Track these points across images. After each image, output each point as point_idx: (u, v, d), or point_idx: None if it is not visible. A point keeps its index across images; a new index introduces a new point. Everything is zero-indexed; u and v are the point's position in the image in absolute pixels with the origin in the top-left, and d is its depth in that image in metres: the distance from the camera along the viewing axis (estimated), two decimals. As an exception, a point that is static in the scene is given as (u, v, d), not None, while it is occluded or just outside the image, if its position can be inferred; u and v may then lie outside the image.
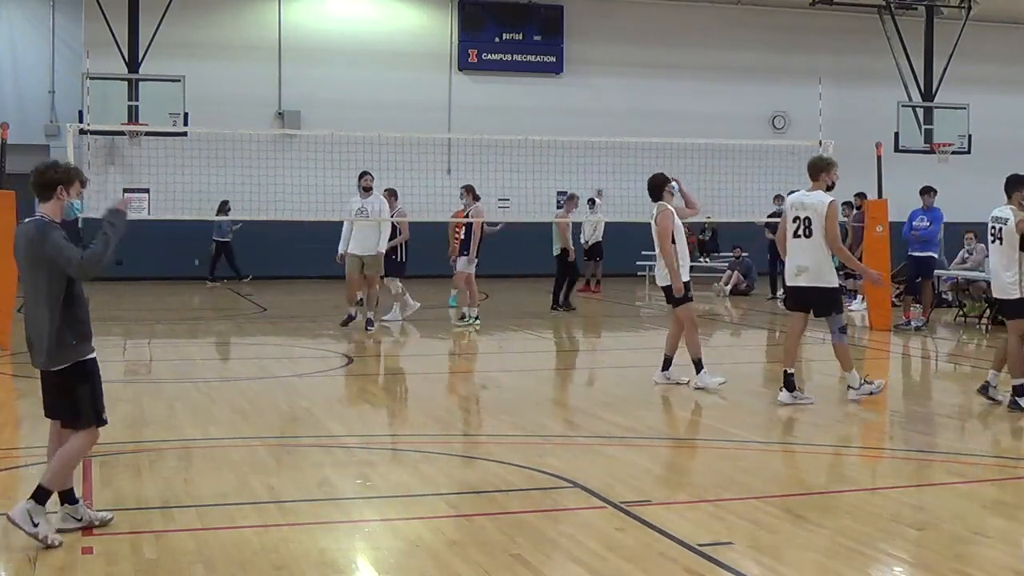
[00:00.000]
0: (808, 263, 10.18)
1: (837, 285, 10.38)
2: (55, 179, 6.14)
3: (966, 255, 18.17)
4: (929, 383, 12.79)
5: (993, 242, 10.17)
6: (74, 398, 6.06)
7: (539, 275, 25.70)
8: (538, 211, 24.16)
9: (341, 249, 16.23)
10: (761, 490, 7.14)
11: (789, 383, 10.18)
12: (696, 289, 24.15)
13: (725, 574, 5.58)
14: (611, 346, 15.99)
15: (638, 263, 23.62)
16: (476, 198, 17.38)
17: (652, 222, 11.26)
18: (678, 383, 11.26)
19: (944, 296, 18.79)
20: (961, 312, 17.87)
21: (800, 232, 10.19)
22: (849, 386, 10.38)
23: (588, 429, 9.53)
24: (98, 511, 6.34)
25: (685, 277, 11.10)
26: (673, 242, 11.07)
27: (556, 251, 19.62)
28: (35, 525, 5.86)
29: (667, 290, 11.22)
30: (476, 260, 16.98)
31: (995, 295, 10.44)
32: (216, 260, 25.03)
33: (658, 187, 11.31)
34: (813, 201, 10.25)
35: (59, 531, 6.04)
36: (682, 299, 11.08)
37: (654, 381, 11.37)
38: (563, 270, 19.57)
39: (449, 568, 5.61)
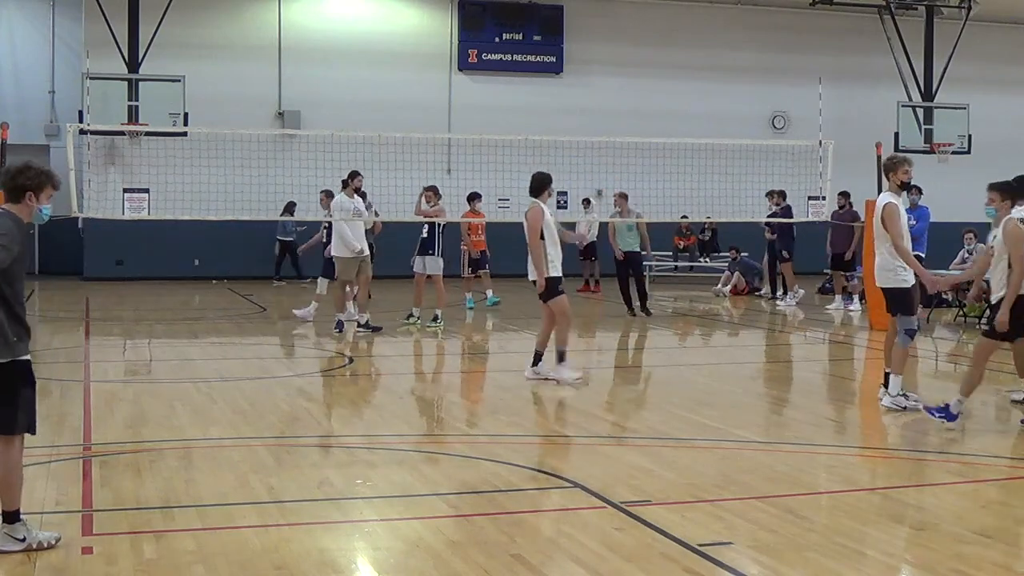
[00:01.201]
0: (878, 263, 10.26)
1: (906, 286, 10.16)
2: (24, 185, 5.88)
3: (966, 255, 18.16)
4: (929, 383, 12.77)
5: None
6: (15, 401, 5.82)
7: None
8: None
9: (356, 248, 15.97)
10: (761, 490, 7.14)
11: (888, 383, 10.19)
12: (696, 290, 24.35)
13: (725, 574, 5.58)
14: (611, 346, 15.99)
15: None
16: (440, 196, 17.33)
17: (524, 218, 11.58)
18: (547, 379, 11.46)
19: (944, 296, 18.79)
20: (961, 312, 17.87)
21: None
22: (884, 384, 10.26)
23: (588, 429, 9.54)
24: (45, 531, 5.99)
25: (557, 273, 11.42)
26: (542, 238, 11.36)
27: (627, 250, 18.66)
28: (22, 540, 5.80)
29: (537, 284, 11.53)
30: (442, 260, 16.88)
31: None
32: (281, 260, 25.07)
33: (542, 185, 11.68)
34: (878, 203, 10.29)
35: None
36: (553, 293, 11.42)
37: (525, 377, 11.56)
38: (636, 270, 18.76)
39: (449, 568, 5.61)
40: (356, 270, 15.86)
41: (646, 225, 18.82)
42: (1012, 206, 9.56)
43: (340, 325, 15.91)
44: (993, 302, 9.42)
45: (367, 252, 16.05)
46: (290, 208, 23.35)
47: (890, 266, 10.15)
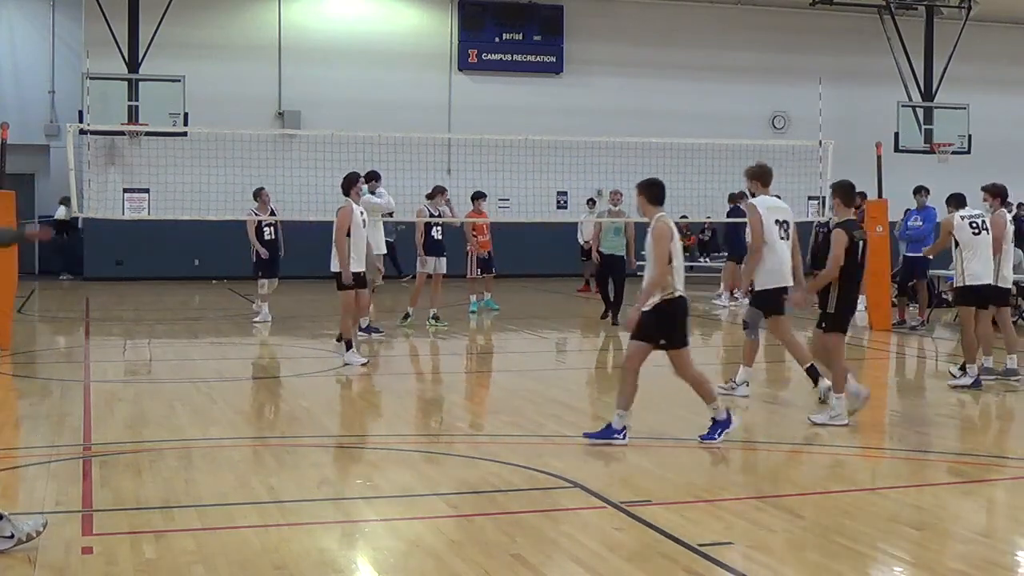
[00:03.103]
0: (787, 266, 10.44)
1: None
2: None
3: (966, 255, 18.12)
4: (928, 383, 12.77)
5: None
6: None
7: (540, 275, 25.73)
8: (538, 211, 24.16)
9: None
10: (761, 490, 7.14)
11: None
12: (697, 290, 24.32)
13: (725, 574, 5.58)
14: (610, 346, 15.98)
15: (638, 263, 23.59)
16: (430, 197, 17.30)
17: (336, 215, 12.91)
18: (348, 364, 12.51)
19: (944, 296, 18.79)
20: (961, 312, 17.83)
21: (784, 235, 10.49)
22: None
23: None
24: (28, 520, 5.89)
25: (358, 268, 12.70)
26: (348, 235, 12.54)
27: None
28: (10, 537, 5.75)
29: (336, 276, 12.71)
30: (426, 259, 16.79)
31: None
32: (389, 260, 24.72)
33: (350, 184, 12.90)
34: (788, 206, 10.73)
35: None
36: (345, 286, 12.65)
37: (344, 363, 12.55)
38: (617, 275, 17.54)
39: (449, 568, 5.61)
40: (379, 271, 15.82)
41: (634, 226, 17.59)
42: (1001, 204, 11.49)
43: (370, 329, 15.60)
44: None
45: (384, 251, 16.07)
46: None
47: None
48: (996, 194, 11.88)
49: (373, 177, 16.06)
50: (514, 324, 17.54)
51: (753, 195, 10.83)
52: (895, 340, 15.75)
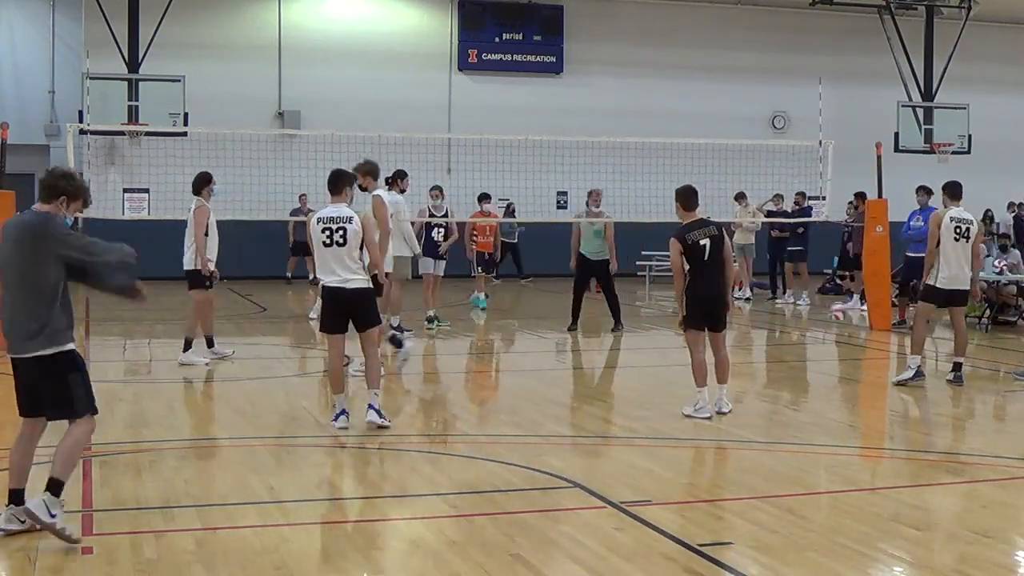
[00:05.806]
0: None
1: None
2: (62, 189, 6.23)
3: (966, 255, 18.13)
4: (928, 383, 12.76)
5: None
6: (67, 386, 6.10)
7: (540, 275, 25.71)
8: (538, 211, 24.16)
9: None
10: (761, 490, 7.14)
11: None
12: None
13: (725, 574, 5.58)
14: (611, 346, 15.98)
15: (638, 263, 23.62)
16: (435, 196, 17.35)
17: (191, 214, 13.15)
18: (205, 360, 12.75)
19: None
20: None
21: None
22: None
23: (588, 429, 9.54)
24: (68, 523, 6.02)
25: (211, 268, 12.98)
26: (206, 234, 12.88)
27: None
28: (52, 516, 5.86)
29: (188, 274, 13.03)
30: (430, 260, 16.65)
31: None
32: (505, 259, 23.82)
33: (201, 183, 13.28)
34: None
35: (2, 531, 5.98)
36: (200, 284, 12.96)
37: (179, 363, 12.68)
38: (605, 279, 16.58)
39: (449, 568, 5.61)
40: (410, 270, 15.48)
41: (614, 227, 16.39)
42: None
43: (400, 329, 15.26)
44: None
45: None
46: (509, 209, 22.89)
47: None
48: None
49: (401, 176, 15.31)
50: (514, 324, 17.54)
51: (364, 189, 11.53)
52: (895, 340, 15.74)
